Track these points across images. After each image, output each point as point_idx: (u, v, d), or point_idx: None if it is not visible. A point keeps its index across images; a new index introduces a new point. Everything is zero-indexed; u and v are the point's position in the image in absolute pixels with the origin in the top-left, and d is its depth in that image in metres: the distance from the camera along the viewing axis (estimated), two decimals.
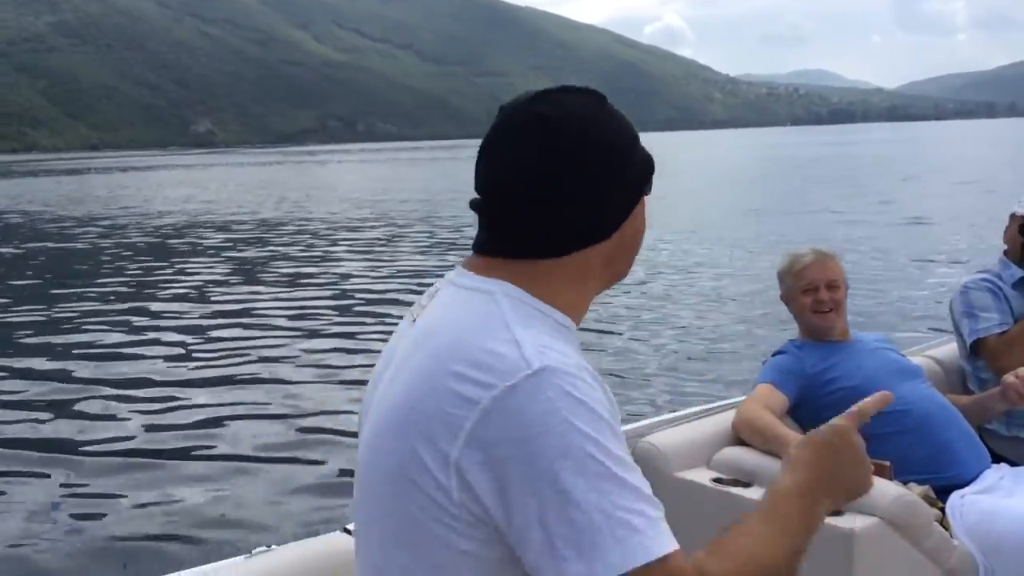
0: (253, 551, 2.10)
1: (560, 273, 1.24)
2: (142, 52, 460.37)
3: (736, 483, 2.56)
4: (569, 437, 1.05)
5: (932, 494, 2.58)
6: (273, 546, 2.13)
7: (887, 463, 2.53)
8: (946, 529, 2.49)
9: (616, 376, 8.26)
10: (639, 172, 1.29)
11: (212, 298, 14.20)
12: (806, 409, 2.79)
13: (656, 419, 2.92)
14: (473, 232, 1.32)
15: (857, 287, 3.30)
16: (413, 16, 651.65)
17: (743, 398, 2.81)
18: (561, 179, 1.21)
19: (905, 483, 2.51)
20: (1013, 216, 3.26)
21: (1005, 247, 3.28)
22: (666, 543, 1.06)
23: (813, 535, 1.25)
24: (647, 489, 1.09)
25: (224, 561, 2.12)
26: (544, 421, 1.05)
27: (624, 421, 3.07)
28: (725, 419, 2.79)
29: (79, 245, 22.63)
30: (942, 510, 2.56)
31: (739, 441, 2.72)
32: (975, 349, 3.16)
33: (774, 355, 2.96)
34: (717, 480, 2.59)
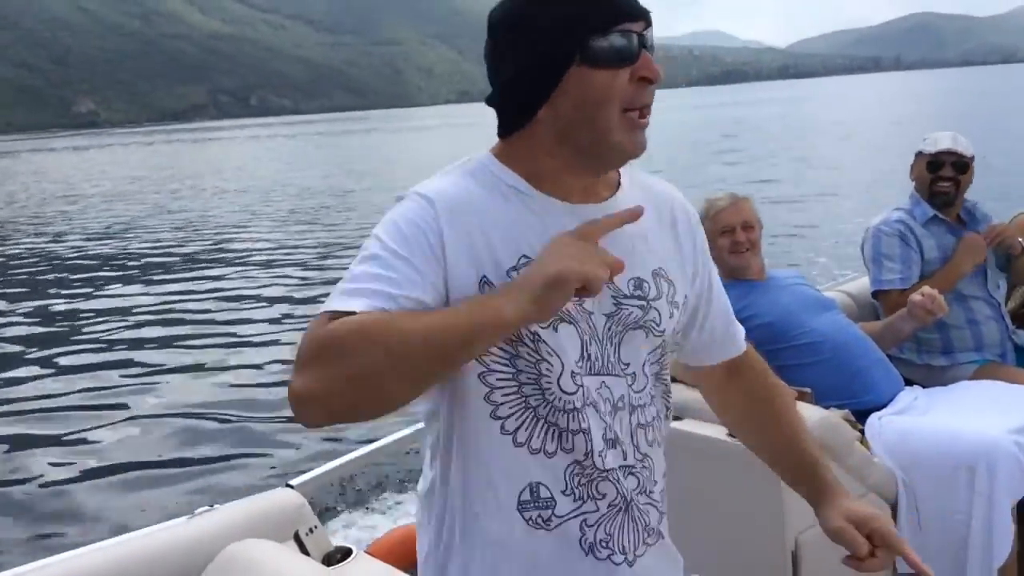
0: (196, 511, 2.10)
1: (519, 148, 1.33)
2: (16, 31, 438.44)
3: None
4: (372, 236, 1.27)
5: (852, 417, 2.73)
6: (216, 505, 2.13)
7: (808, 390, 2.67)
8: (866, 448, 2.64)
9: None
10: (552, 44, 1.26)
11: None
12: None
13: None
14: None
15: (771, 228, 3.46)
16: None
17: None
18: (490, 64, 1.34)
19: (826, 408, 2.64)
20: (919, 154, 3.42)
21: (913, 184, 3.44)
22: (340, 303, 1.17)
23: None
24: (386, 271, 1.20)
25: (167, 523, 2.10)
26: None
27: None
28: None
29: None
30: (861, 432, 2.70)
31: (672, 378, 2.80)
32: (876, 296, 3.34)
33: None
34: None
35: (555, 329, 1.28)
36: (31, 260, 17.12)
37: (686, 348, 1.59)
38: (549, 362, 1.28)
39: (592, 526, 1.34)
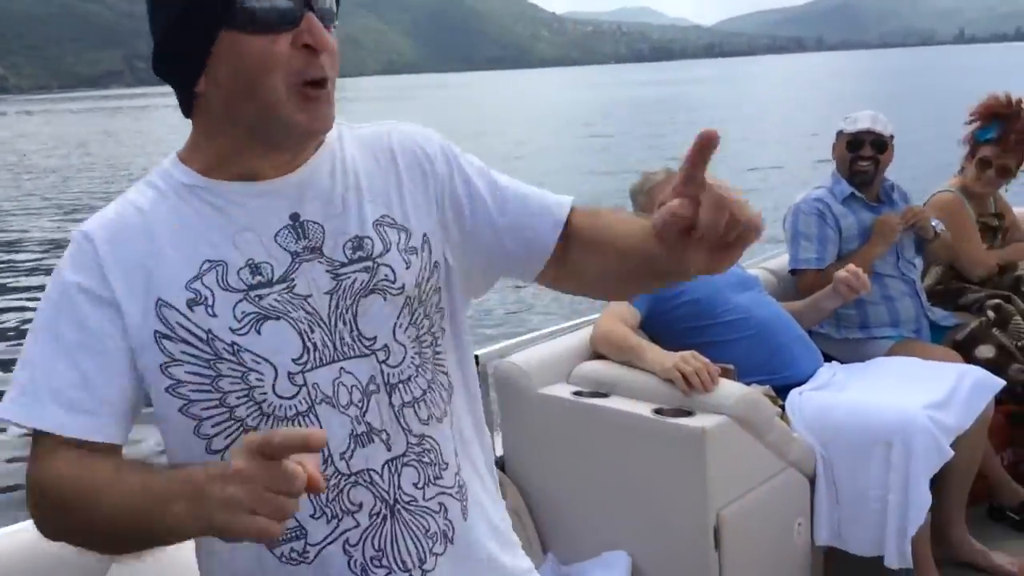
0: None
1: (198, 129, 1.21)
2: None
3: (595, 395, 2.65)
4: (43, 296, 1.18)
5: (772, 393, 2.77)
6: None
7: (731, 366, 2.69)
8: (786, 424, 2.68)
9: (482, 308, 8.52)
10: (196, 2, 1.09)
11: None
12: (656, 321, 2.91)
13: (518, 339, 2.98)
14: None
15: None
16: None
17: (597, 316, 2.91)
18: (149, 19, 1.18)
19: (748, 384, 2.67)
20: (840, 133, 3.47)
21: (835, 162, 3.50)
22: (32, 413, 1.12)
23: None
24: (67, 365, 1.12)
25: None
26: None
27: (486, 342, 3.12)
28: (582, 336, 2.88)
29: None
30: (782, 407, 2.75)
31: (597, 356, 2.82)
32: (793, 274, 3.40)
33: None
34: (577, 393, 2.68)
35: (257, 332, 1.13)
36: None
37: (504, 262, 1.30)
38: (259, 371, 1.13)
39: (356, 544, 1.16)
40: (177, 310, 1.12)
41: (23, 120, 68.06)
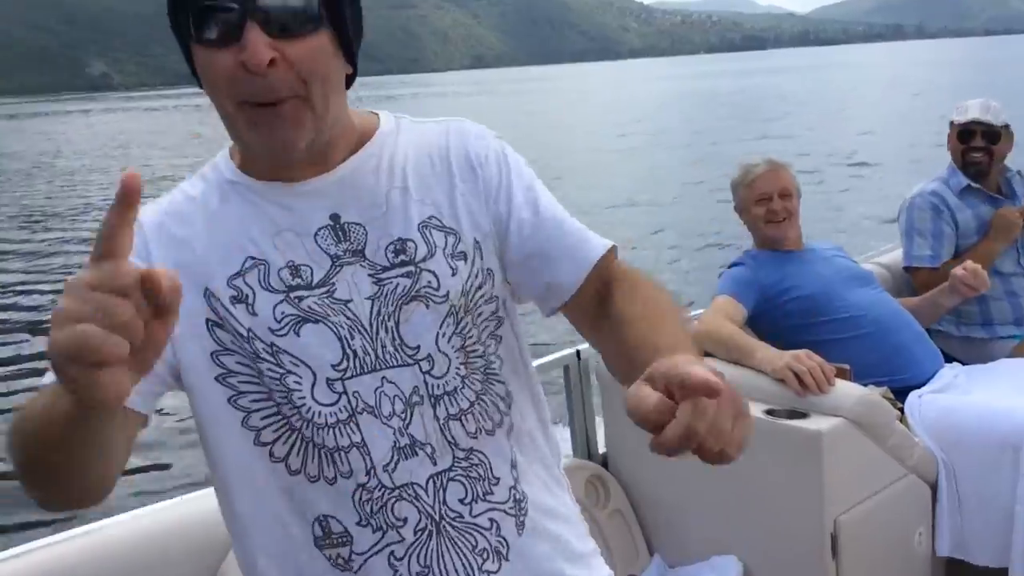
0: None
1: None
2: None
3: None
4: None
5: (891, 395, 2.64)
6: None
7: (847, 366, 2.58)
8: (906, 427, 2.55)
9: None
10: (174, 13, 1.05)
11: None
12: (764, 319, 2.81)
13: None
14: None
15: (808, 197, 3.36)
16: None
17: (701, 311, 2.82)
18: None
19: (864, 385, 2.55)
20: (952, 124, 3.31)
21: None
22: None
23: None
24: None
25: (195, 493, 2.04)
26: None
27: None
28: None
29: None
30: (900, 410, 2.62)
31: (702, 353, 2.73)
32: (907, 271, 3.27)
33: (730, 267, 2.97)
34: None
35: (296, 333, 1.09)
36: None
37: (527, 289, 1.23)
38: (296, 374, 1.09)
39: (402, 559, 1.12)
40: (222, 303, 1.10)
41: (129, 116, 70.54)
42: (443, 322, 1.14)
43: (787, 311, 2.80)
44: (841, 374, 2.52)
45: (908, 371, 2.74)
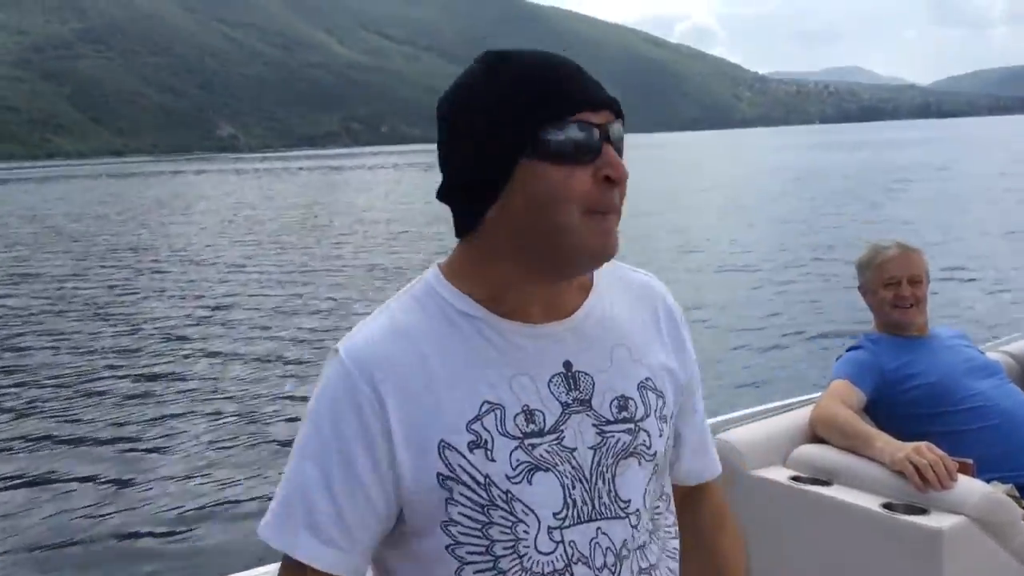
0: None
1: (473, 253, 1.19)
2: (167, 57, 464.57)
3: (816, 482, 2.51)
4: (305, 418, 1.17)
5: (1016, 492, 2.52)
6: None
7: (970, 461, 2.47)
8: None
9: None
10: (501, 133, 1.10)
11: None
12: (883, 405, 2.73)
13: (730, 415, 2.87)
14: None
15: (934, 281, 3.24)
16: (436, 16, 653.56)
17: (819, 395, 2.76)
18: (440, 154, 1.19)
19: (988, 481, 2.45)
20: None
21: None
22: (295, 544, 1.13)
23: None
24: (326, 502, 1.13)
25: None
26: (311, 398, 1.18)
27: None
28: (801, 416, 2.74)
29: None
30: None
31: (816, 438, 2.67)
32: None
33: (849, 350, 2.90)
34: (795, 478, 2.54)
35: (529, 482, 1.12)
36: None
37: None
38: (525, 523, 1.12)
39: None
40: (459, 452, 1.11)
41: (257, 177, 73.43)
42: (649, 479, 1.20)
43: (908, 399, 2.72)
44: (964, 469, 2.42)
45: None
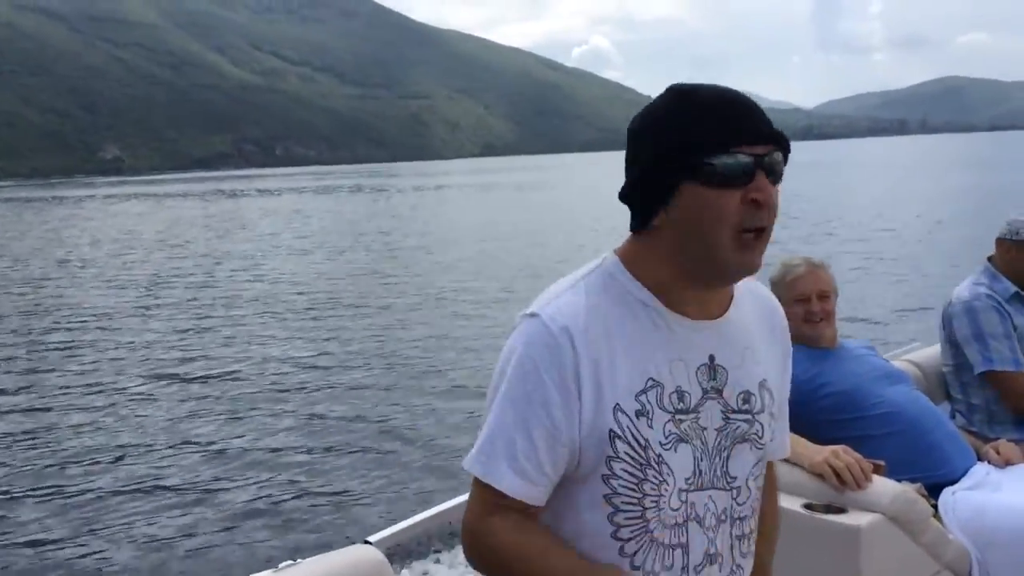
0: (280, 565, 2.10)
1: (645, 250, 1.39)
2: (49, 77, 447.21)
3: None
4: (508, 370, 1.37)
5: (925, 491, 2.69)
6: (298, 560, 2.13)
7: (882, 463, 2.64)
8: (940, 524, 2.59)
9: None
10: (670, 157, 1.30)
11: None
12: (798, 414, 2.84)
13: None
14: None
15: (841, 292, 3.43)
16: (332, 38, 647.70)
17: None
18: (626, 162, 1.40)
19: (899, 481, 2.60)
20: (1013, 241, 3.36)
21: (988, 256, 3.41)
22: (490, 473, 1.37)
23: None
24: (525, 439, 1.34)
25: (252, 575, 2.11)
26: (506, 355, 1.39)
27: None
28: None
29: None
30: (935, 507, 2.66)
31: None
32: (985, 377, 3.25)
33: None
34: None
35: (675, 450, 1.35)
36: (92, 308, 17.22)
37: None
38: (667, 483, 1.35)
39: None
40: (628, 416, 1.33)
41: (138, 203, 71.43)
42: (756, 463, 1.45)
43: (821, 407, 2.87)
44: (876, 470, 2.57)
45: (942, 468, 2.79)
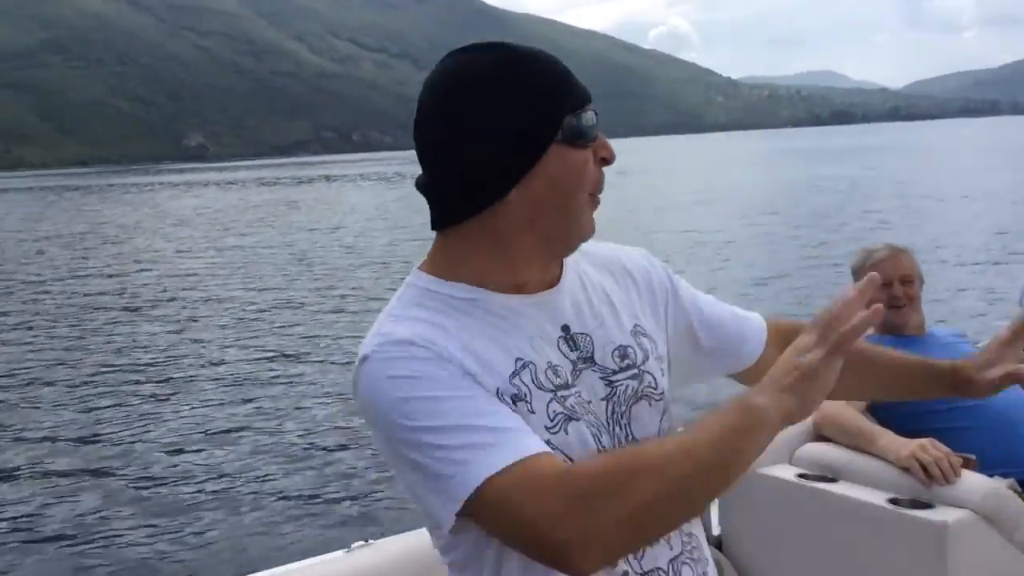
0: (352, 545, 2.12)
1: (466, 244, 1.23)
2: (135, 66, 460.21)
3: (822, 479, 2.56)
4: (387, 419, 1.13)
5: (1018, 487, 2.58)
6: (371, 540, 2.15)
7: (972, 457, 2.53)
8: None
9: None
10: (533, 119, 1.18)
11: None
12: (885, 406, 2.78)
13: None
14: None
15: (931, 281, 3.35)
16: (407, 23, 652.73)
17: None
18: (439, 141, 1.21)
19: (990, 476, 2.50)
20: None
21: None
22: (507, 455, 1.07)
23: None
24: (478, 419, 1.10)
25: (324, 555, 2.13)
26: (370, 406, 1.15)
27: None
28: None
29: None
30: None
31: (821, 437, 2.72)
32: None
33: None
34: (802, 476, 2.59)
35: (565, 432, 1.18)
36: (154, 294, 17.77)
37: (713, 368, 1.46)
38: None
39: None
40: (508, 403, 1.15)
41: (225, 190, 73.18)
42: (661, 417, 1.30)
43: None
44: (967, 464, 2.47)
45: None
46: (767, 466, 2.64)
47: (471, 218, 1.21)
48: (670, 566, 1.24)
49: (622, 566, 1.20)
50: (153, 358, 11.79)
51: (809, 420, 2.76)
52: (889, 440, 2.51)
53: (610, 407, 1.24)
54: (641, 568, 1.21)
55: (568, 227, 1.23)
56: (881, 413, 2.78)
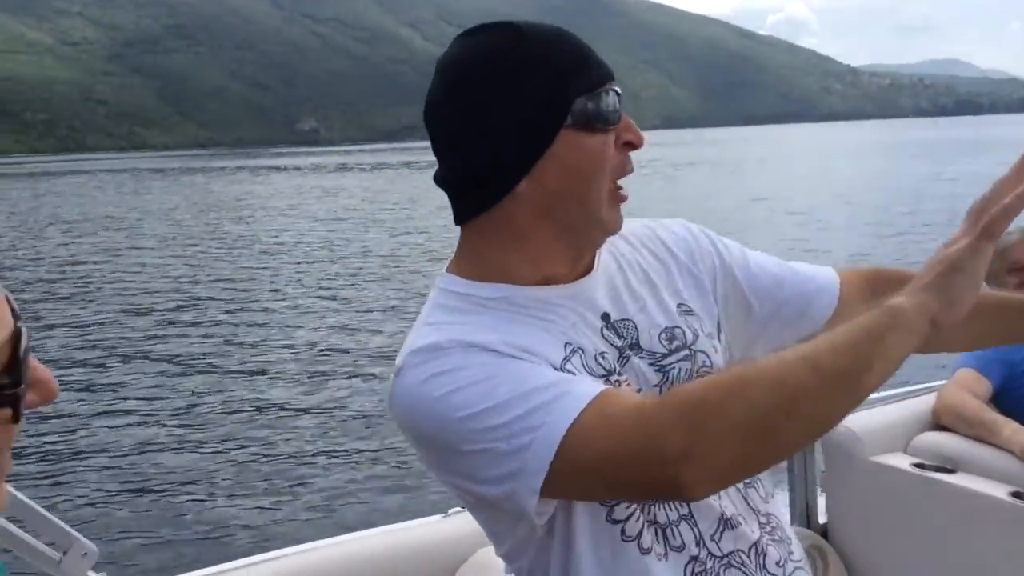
0: (449, 511, 2.14)
1: (486, 239, 1.17)
2: (253, 52, 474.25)
3: (939, 469, 2.46)
4: (433, 423, 1.06)
5: None
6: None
7: None
8: None
9: None
10: (542, 102, 1.10)
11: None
12: (1010, 396, 2.66)
13: None
14: None
15: None
16: (519, 11, 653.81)
17: (940, 383, 2.70)
18: (450, 130, 1.15)
19: None
20: None
21: None
22: (577, 400, 1.01)
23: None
24: (533, 381, 1.04)
25: (421, 519, 2.16)
26: (412, 416, 1.09)
27: None
28: (922, 403, 2.69)
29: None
30: None
31: (939, 426, 2.61)
32: None
33: None
34: (917, 465, 2.49)
35: None
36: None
37: (780, 333, 1.30)
38: None
39: None
40: None
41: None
42: None
43: None
44: None
45: None
46: (880, 454, 2.55)
47: (487, 211, 1.15)
48: (752, 549, 1.18)
49: (701, 550, 1.14)
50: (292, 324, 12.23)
51: (926, 408, 2.66)
52: (1013, 431, 2.40)
53: (666, 392, 1.16)
54: (720, 550, 1.15)
55: (588, 217, 1.14)
56: (1004, 405, 2.65)
